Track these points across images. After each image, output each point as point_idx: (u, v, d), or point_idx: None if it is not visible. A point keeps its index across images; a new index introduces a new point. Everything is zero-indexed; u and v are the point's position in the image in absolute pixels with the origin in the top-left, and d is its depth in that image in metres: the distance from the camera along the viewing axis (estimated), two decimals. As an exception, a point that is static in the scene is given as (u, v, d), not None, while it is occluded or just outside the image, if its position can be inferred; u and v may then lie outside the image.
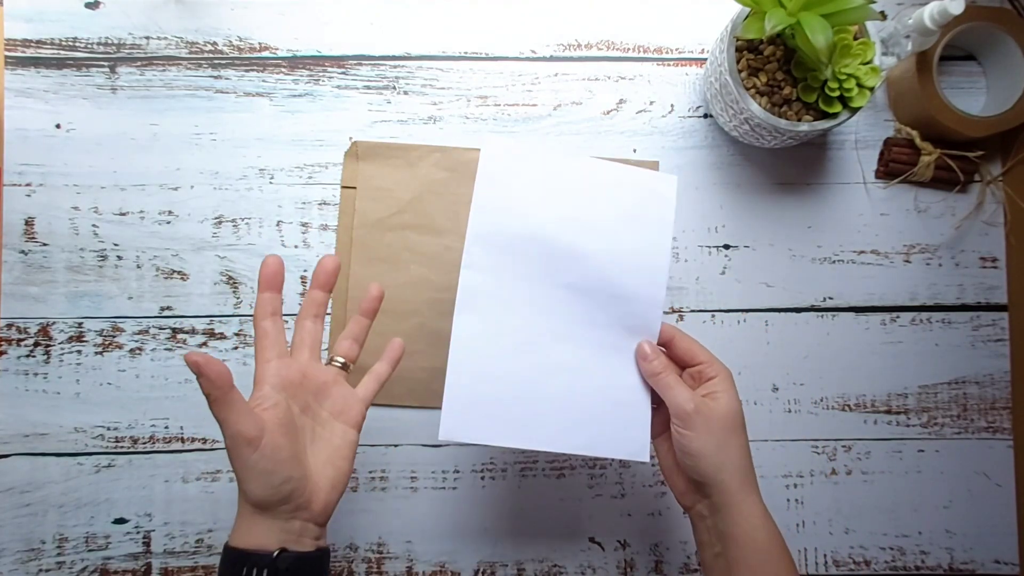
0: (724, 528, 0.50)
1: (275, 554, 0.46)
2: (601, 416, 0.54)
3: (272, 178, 0.69)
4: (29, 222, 0.68)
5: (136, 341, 0.67)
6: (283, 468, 0.47)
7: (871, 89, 0.59)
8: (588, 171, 0.55)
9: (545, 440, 0.53)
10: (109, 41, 0.69)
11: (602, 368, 0.54)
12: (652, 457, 0.56)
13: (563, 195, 0.54)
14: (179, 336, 0.68)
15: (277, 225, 0.68)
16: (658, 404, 0.55)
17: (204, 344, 0.68)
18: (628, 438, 0.54)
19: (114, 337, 0.67)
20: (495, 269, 0.53)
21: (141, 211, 0.68)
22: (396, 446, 0.68)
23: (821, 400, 0.69)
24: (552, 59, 0.70)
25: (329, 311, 0.68)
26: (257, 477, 0.46)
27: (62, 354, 0.67)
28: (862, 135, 0.70)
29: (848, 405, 0.69)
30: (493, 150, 0.54)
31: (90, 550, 0.67)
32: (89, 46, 0.69)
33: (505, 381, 0.53)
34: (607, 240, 0.54)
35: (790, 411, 0.69)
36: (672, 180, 0.56)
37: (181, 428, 0.67)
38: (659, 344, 0.55)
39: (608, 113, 0.70)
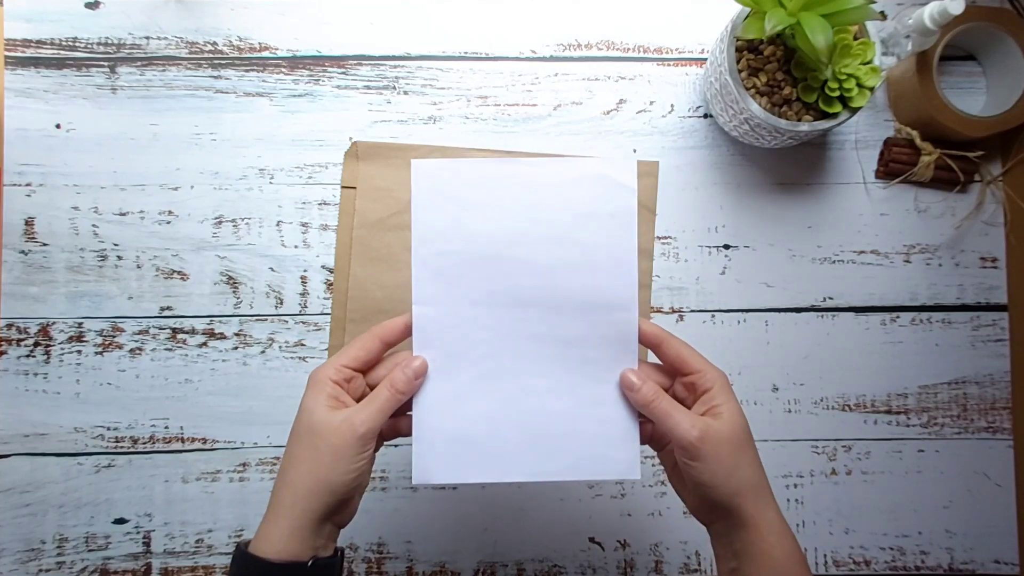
0: (739, 546, 0.48)
1: (309, 563, 0.46)
2: (583, 437, 0.50)
3: (272, 178, 0.69)
4: (29, 222, 0.68)
5: (136, 341, 0.68)
6: (369, 470, 0.48)
7: (871, 89, 0.59)
8: (533, 172, 0.50)
9: (525, 471, 0.50)
10: (109, 41, 0.69)
11: (579, 385, 0.51)
12: (653, 459, 0.55)
13: (510, 204, 0.50)
14: (179, 336, 0.68)
15: (277, 225, 0.68)
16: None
17: (204, 344, 0.68)
18: (616, 456, 0.51)
19: (114, 337, 0.67)
20: (447, 299, 0.50)
21: (141, 211, 0.68)
22: (396, 446, 0.68)
23: (821, 400, 0.69)
24: (552, 59, 0.70)
25: (328, 311, 0.68)
26: (356, 471, 0.46)
27: (62, 354, 0.67)
28: (862, 135, 0.70)
29: (848, 405, 0.69)
30: (424, 169, 0.50)
31: (90, 550, 0.67)
32: (89, 46, 0.69)
33: (474, 416, 0.50)
34: (565, 245, 0.50)
35: (790, 411, 0.69)
36: (630, 165, 0.50)
37: (181, 428, 0.67)
38: (647, 346, 0.51)
39: (608, 113, 0.70)
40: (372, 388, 0.50)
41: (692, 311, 0.69)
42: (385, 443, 0.53)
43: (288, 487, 0.46)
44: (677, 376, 0.51)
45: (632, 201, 0.50)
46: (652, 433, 0.52)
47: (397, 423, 0.52)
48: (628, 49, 0.70)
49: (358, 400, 0.49)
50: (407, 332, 0.51)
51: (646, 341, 0.51)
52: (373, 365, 0.50)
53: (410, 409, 0.50)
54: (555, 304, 0.50)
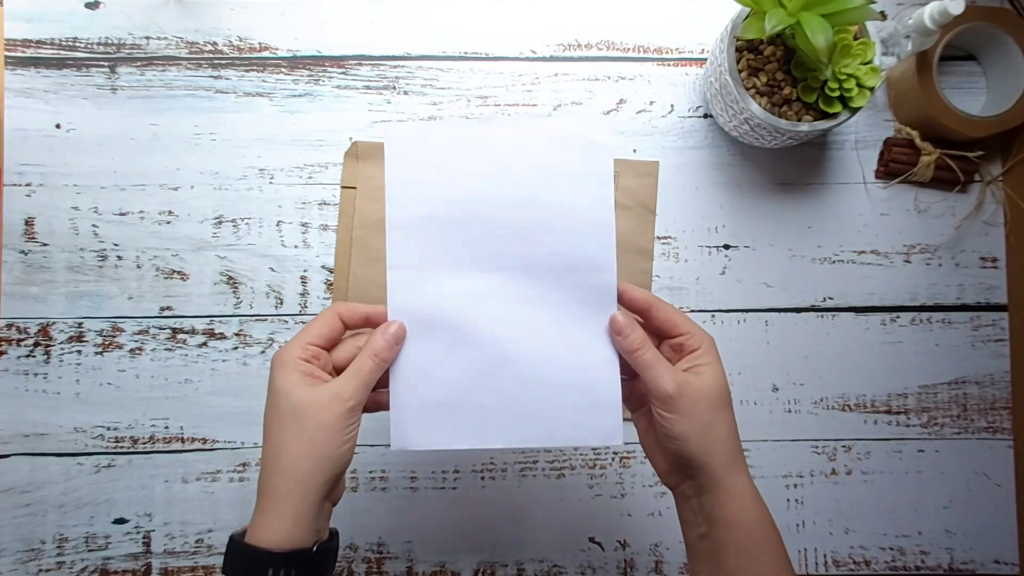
0: (710, 509, 0.47)
1: (313, 548, 0.45)
2: (563, 402, 0.49)
3: (272, 178, 0.69)
4: (29, 222, 0.68)
5: (136, 341, 0.67)
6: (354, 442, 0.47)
7: (871, 89, 0.59)
8: (508, 134, 0.49)
9: (504, 437, 0.49)
10: (109, 41, 0.69)
11: (560, 349, 0.49)
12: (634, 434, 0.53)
13: (485, 166, 0.49)
14: (179, 336, 0.68)
15: (277, 225, 0.68)
16: (630, 376, 0.50)
17: (204, 344, 0.68)
18: (597, 423, 0.49)
19: (114, 337, 0.67)
20: (421, 264, 0.49)
21: (141, 211, 0.68)
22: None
23: (821, 400, 0.69)
24: (552, 59, 0.70)
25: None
26: (350, 444, 0.46)
27: (62, 354, 0.67)
28: (862, 135, 0.70)
29: (848, 405, 0.69)
30: (397, 133, 0.49)
31: (90, 550, 0.67)
32: (89, 46, 0.69)
33: (452, 381, 0.49)
34: (542, 207, 0.49)
35: (790, 411, 0.69)
36: (607, 121, 0.51)
37: (181, 428, 0.67)
38: (636, 312, 0.50)
39: (608, 113, 0.70)
40: (338, 366, 0.49)
41: (692, 311, 0.69)
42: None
43: (282, 474, 0.45)
44: (664, 339, 0.50)
45: (608, 161, 0.49)
46: (629, 393, 0.51)
47: (377, 396, 0.51)
48: (628, 49, 0.70)
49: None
50: (366, 323, 0.50)
51: (635, 306, 0.50)
52: (336, 343, 0.50)
53: (387, 383, 0.50)
54: (532, 267, 0.50)
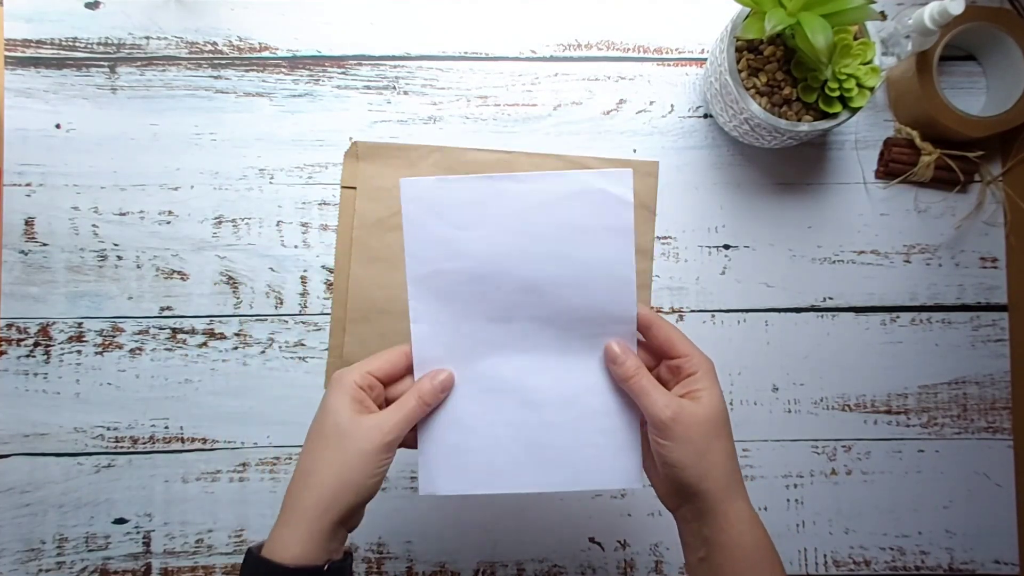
0: (708, 534, 0.47)
1: (325, 567, 0.46)
2: (584, 446, 0.50)
3: (272, 178, 0.69)
4: (29, 222, 0.68)
5: (136, 341, 0.67)
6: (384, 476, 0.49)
7: (871, 89, 0.59)
8: (527, 189, 0.48)
9: (528, 482, 0.51)
10: (109, 41, 0.69)
11: (581, 396, 0.51)
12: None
13: (504, 222, 0.49)
14: (179, 336, 0.68)
15: (277, 225, 0.68)
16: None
17: (204, 344, 0.68)
18: (618, 466, 0.51)
19: (114, 337, 0.67)
20: (445, 317, 0.50)
21: (141, 211, 0.68)
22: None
23: (821, 400, 0.69)
24: (552, 59, 0.70)
25: (328, 311, 0.68)
26: (378, 477, 0.47)
27: (62, 354, 0.67)
28: (862, 135, 0.70)
29: (848, 405, 0.69)
30: (414, 189, 0.48)
31: (90, 550, 0.67)
32: (89, 46, 0.69)
33: (476, 429, 0.50)
34: (563, 262, 0.49)
35: (790, 411, 0.69)
36: (626, 176, 0.48)
37: (181, 428, 0.67)
38: (637, 330, 0.51)
39: (608, 113, 0.70)
40: (390, 401, 0.50)
41: (692, 311, 0.69)
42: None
43: (312, 489, 0.46)
44: (663, 359, 0.51)
45: (629, 215, 0.48)
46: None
47: (413, 434, 0.53)
48: (628, 49, 0.70)
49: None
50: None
51: (636, 323, 0.50)
52: (395, 380, 0.51)
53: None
54: (554, 318, 0.50)
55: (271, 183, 0.69)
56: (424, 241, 0.49)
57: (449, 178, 0.48)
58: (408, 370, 0.51)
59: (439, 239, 0.49)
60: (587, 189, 0.48)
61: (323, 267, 0.68)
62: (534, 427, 0.51)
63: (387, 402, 0.50)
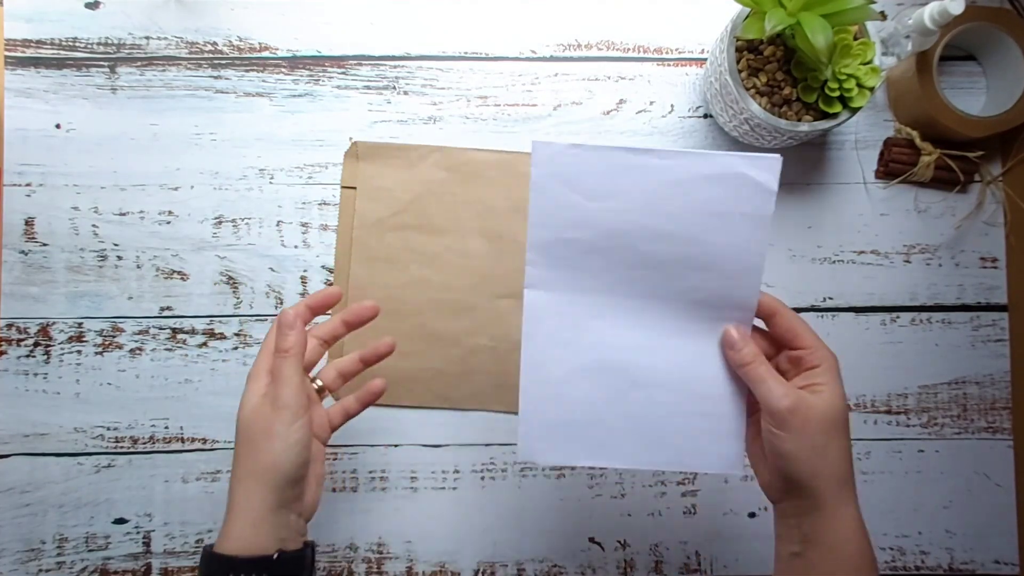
0: (810, 533, 0.46)
1: (275, 556, 0.46)
2: (688, 429, 0.50)
3: (272, 178, 0.69)
4: (29, 222, 0.68)
5: (136, 341, 0.68)
6: (307, 445, 0.48)
7: (871, 89, 0.59)
8: (666, 166, 0.47)
9: (628, 458, 0.50)
10: (109, 41, 0.69)
11: (690, 379, 0.50)
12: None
13: (637, 197, 0.47)
14: (179, 336, 0.68)
15: (277, 225, 0.68)
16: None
17: (204, 344, 0.68)
18: (719, 451, 0.50)
19: (114, 337, 0.67)
20: (560, 285, 0.49)
21: (141, 211, 0.68)
22: (396, 446, 0.68)
23: (821, 400, 0.69)
24: (552, 59, 0.70)
25: (329, 312, 0.68)
26: (291, 448, 0.47)
27: (62, 354, 0.67)
28: (862, 135, 0.70)
29: (848, 405, 0.69)
30: (546, 152, 0.47)
31: (90, 550, 0.67)
32: (89, 46, 0.69)
33: (581, 402, 0.50)
34: (692, 244, 0.48)
35: (790, 411, 0.69)
36: (775, 162, 0.46)
37: (181, 428, 0.67)
38: (760, 316, 0.49)
39: (608, 113, 0.70)
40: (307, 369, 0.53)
41: (692, 311, 0.69)
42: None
43: (239, 483, 0.48)
44: (785, 349, 0.50)
45: (770, 204, 0.47)
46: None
47: (346, 406, 0.56)
48: (628, 49, 0.70)
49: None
50: (332, 302, 0.55)
51: (759, 311, 0.49)
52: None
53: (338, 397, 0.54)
54: (673, 299, 0.49)
55: (271, 183, 0.69)
56: (550, 207, 0.48)
57: (585, 145, 0.47)
58: (321, 307, 0.54)
59: (566, 206, 0.48)
60: (730, 172, 0.47)
61: (323, 267, 0.68)
62: (641, 404, 0.50)
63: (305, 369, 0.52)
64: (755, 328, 0.51)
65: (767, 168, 0.46)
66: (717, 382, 0.50)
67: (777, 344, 0.50)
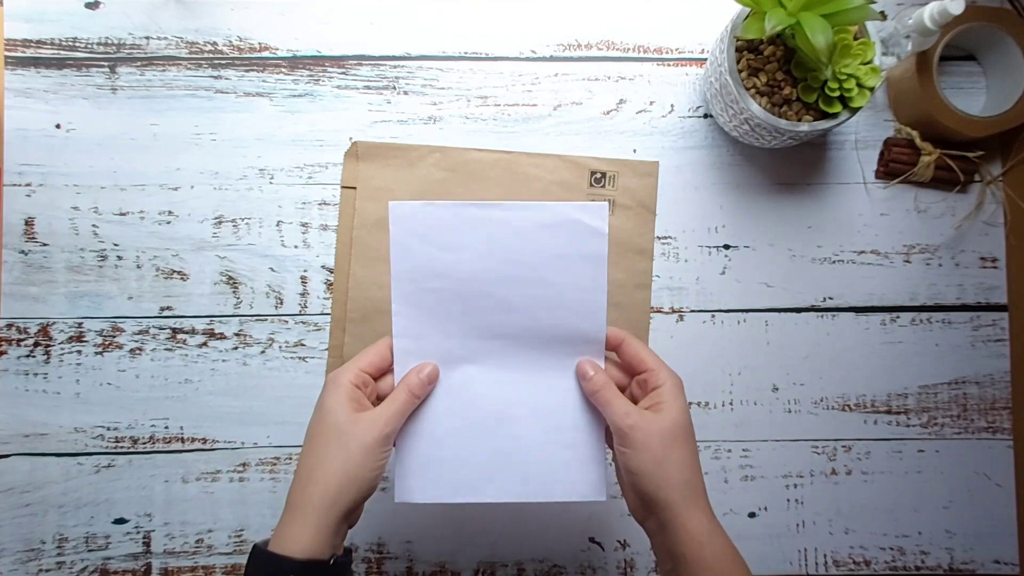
0: (671, 547, 0.48)
1: (331, 561, 0.48)
2: (553, 460, 0.53)
3: (272, 178, 0.69)
4: (29, 222, 0.68)
5: (136, 341, 0.67)
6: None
7: (871, 89, 0.59)
8: (508, 217, 0.52)
9: (499, 492, 0.53)
10: (109, 41, 0.69)
11: (551, 411, 0.54)
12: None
13: (486, 246, 0.52)
14: (179, 336, 0.68)
15: (277, 225, 0.68)
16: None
17: (204, 344, 0.68)
18: (583, 479, 0.53)
19: (114, 337, 0.67)
20: (426, 333, 0.53)
21: (141, 211, 0.68)
22: (396, 446, 0.67)
23: (821, 400, 0.69)
24: (552, 59, 0.70)
25: (328, 311, 0.68)
26: (377, 469, 0.49)
27: (62, 354, 0.67)
28: (862, 135, 0.70)
29: (848, 405, 0.69)
30: (401, 211, 0.51)
31: (90, 550, 0.67)
32: (89, 46, 0.69)
33: (451, 441, 0.53)
34: (539, 286, 0.52)
35: (790, 411, 0.69)
36: (601, 209, 0.52)
37: (181, 428, 0.67)
38: (609, 348, 0.54)
39: (608, 113, 0.70)
40: (380, 395, 0.52)
41: (692, 311, 0.69)
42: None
43: (317, 485, 0.48)
44: (634, 375, 0.53)
45: (603, 246, 0.52)
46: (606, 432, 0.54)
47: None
48: (628, 49, 0.70)
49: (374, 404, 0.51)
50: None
51: (608, 343, 0.53)
52: (385, 372, 0.53)
53: None
54: (528, 337, 0.53)
55: (271, 183, 0.69)
56: (411, 261, 0.52)
57: (435, 203, 0.52)
58: (391, 360, 0.53)
59: (425, 259, 0.52)
60: (566, 219, 0.52)
61: (323, 267, 0.68)
62: (506, 439, 0.53)
63: (378, 397, 0.52)
64: (609, 360, 0.54)
65: (596, 213, 0.51)
66: (576, 413, 0.54)
67: (629, 371, 0.54)
